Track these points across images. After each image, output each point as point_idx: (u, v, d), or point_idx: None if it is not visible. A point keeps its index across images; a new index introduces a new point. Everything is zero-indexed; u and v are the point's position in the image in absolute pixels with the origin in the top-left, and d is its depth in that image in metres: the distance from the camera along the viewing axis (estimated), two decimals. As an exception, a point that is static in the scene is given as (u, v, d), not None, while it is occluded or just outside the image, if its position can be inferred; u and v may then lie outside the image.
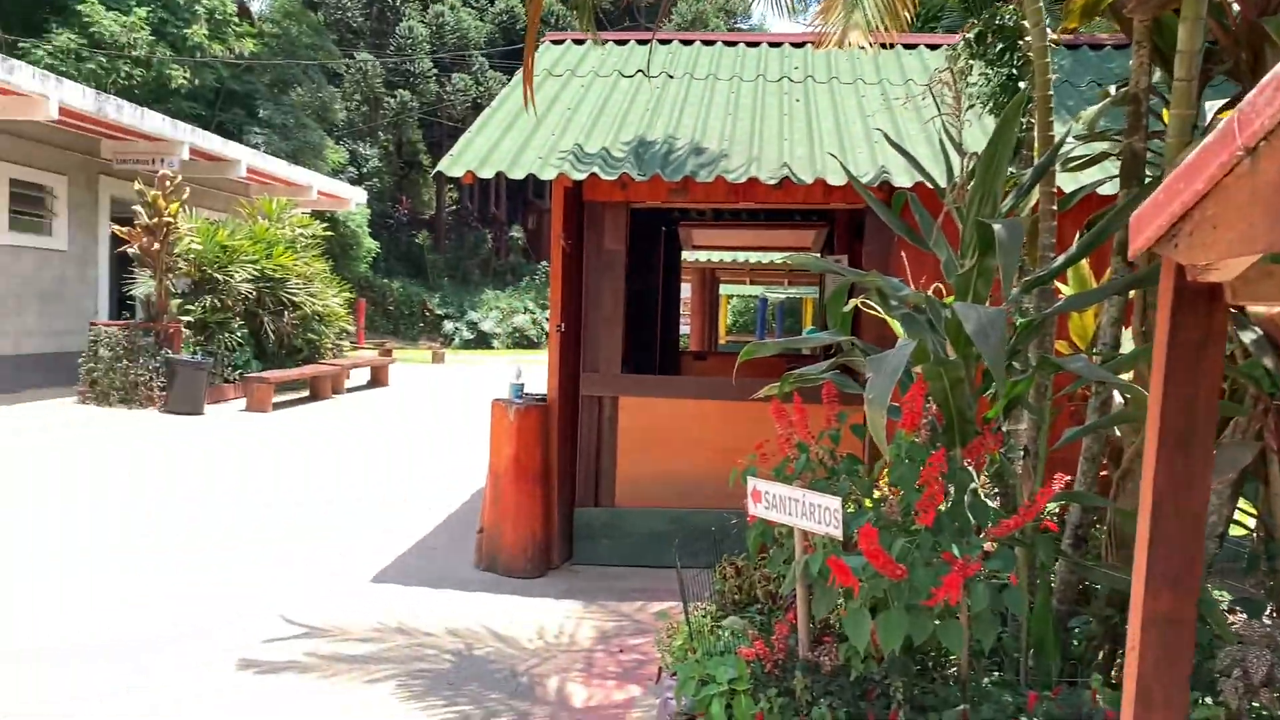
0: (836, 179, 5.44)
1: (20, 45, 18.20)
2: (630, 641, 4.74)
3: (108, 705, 3.77)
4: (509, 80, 7.53)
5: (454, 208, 40.71)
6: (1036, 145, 3.62)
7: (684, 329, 16.11)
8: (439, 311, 32.55)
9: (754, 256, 14.47)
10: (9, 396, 11.28)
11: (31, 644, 4.35)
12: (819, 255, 11.40)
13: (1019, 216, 3.46)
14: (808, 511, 3.00)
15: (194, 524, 6.57)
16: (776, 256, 14.15)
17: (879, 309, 4.32)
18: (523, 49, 6.07)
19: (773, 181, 5.44)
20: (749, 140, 5.99)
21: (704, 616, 3.97)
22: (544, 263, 37.40)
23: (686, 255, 12.77)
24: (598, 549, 6.05)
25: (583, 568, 6.00)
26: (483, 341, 31.85)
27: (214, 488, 7.65)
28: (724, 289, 20.27)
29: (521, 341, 32.40)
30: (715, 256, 14.28)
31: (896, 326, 4.46)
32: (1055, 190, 3.61)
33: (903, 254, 5.13)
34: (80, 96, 11.34)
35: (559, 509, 5.95)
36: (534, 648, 4.63)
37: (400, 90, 34.26)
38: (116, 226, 12.26)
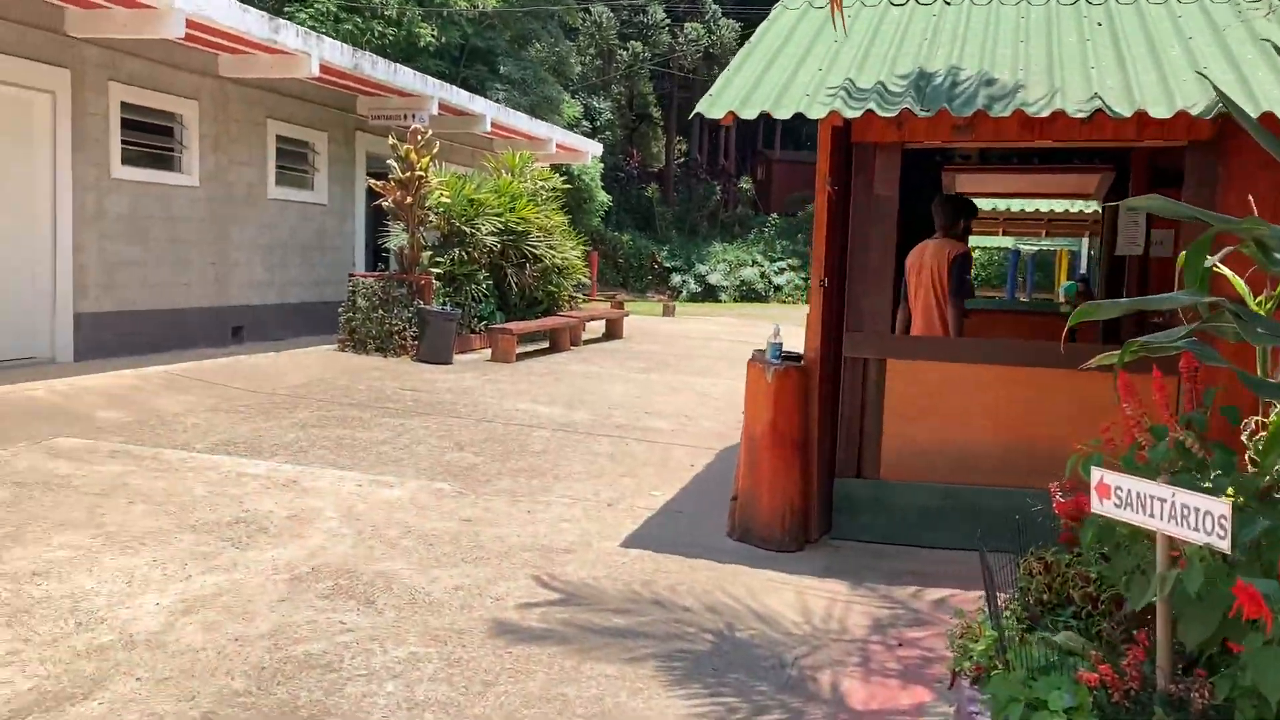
0: (1160, 110, 4.66)
1: (286, 9, 19.24)
2: (909, 634, 4.27)
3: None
4: (743, 27, 7.10)
5: (683, 160, 40.60)
6: None
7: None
8: (667, 264, 32.59)
9: (1014, 205, 13.35)
10: (276, 344, 11.95)
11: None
12: (1100, 202, 10.29)
13: None
14: (1178, 515, 2.42)
15: (450, 469, 6.59)
16: (1043, 204, 13.00)
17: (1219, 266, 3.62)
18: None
19: (1082, 115, 4.71)
20: (1046, 70, 5.24)
21: (1009, 617, 3.45)
22: (773, 215, 36.71)
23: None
24: (859, 524, 5.58)
25: (843, 543, 5.55)
26: (710, 294, 31.67)
27: (462, 437, 7.70)
28: (971, 239, 18.96)
29: (749, 295, 32.00)
30: (970, 206, 13.22)
31: (1240, 286, 3.73)
32: None
33: (1250, 198, 4.32)
34: (338, 53, 11.72)
35: (818, 479, 5.51)
36: (801, 633, 4.24)
37: (633, 42, 34.26)
38: (372, 180, 12.69)
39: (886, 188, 5.45)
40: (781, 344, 5.49)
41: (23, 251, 9.24)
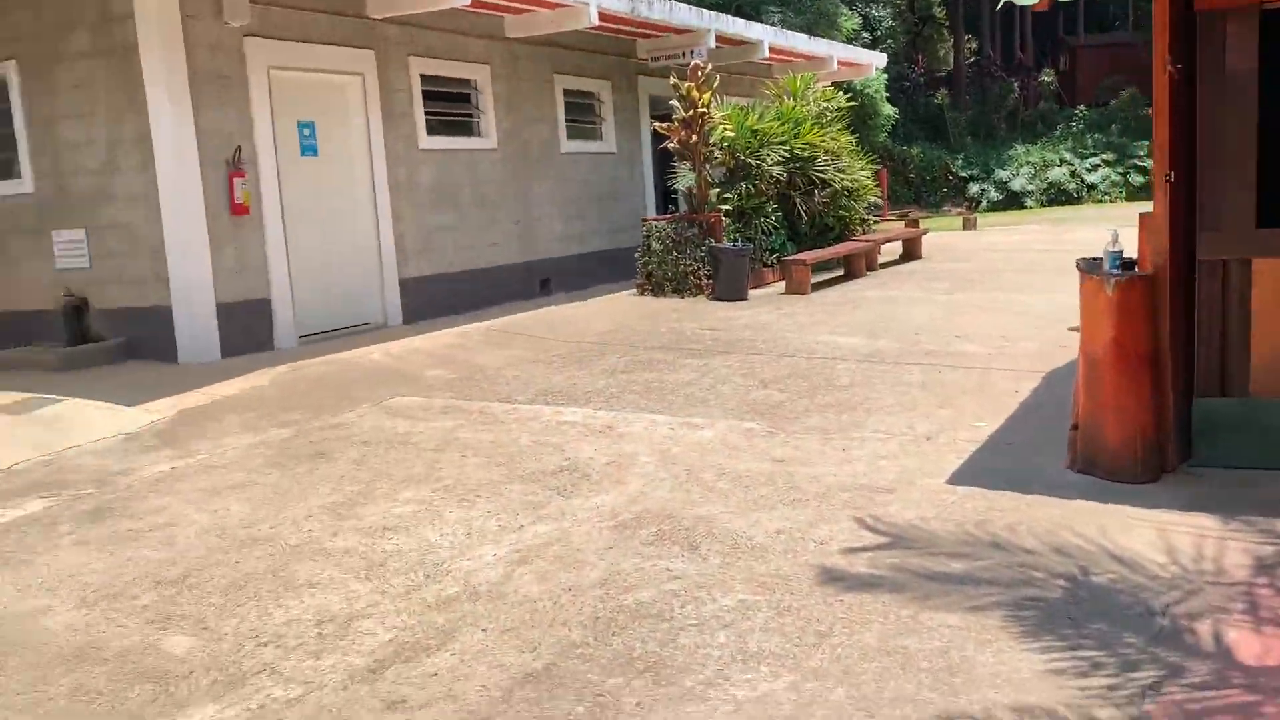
0: None
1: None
2: (1304, 576, 3.69)
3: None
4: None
5: (973, 60, 38.05)
6: None
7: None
8: (962, 174, 30.72)
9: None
10: (580, 293, 12.35)
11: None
12: None
13: None
14: None
15: (756, 408, 6.49)
16: None
17: None
18: None
19: None
20: None
21: None
22: (1080, 108, 33.64)
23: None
24: (1224, 448, 4.91)
25: (1206, 471, 4.90)
26: (1013, 201, 29.54)
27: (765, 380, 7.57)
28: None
29: (1058, 198, 29.55)
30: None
31: None
32: None
33: None
34: (614, -1, 11.79)
35: (1173, 400, 4.89)
36: (1168, 576, 3.77)
37: (911, -60, 32.29)
38: (656, 123, 12.73)
39: (1242, 60, 4.66)
40: (1121, 251, 4.89)
41: (353, 227, 10.06)
